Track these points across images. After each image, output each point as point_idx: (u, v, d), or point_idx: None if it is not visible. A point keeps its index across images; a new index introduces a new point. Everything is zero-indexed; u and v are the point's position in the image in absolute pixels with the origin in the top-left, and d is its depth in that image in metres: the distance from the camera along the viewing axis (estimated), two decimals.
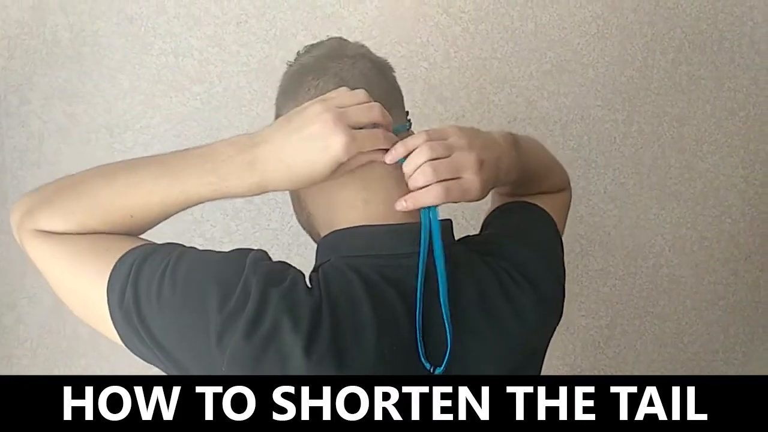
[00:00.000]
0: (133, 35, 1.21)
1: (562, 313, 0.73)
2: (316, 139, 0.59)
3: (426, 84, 1.38)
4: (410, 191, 0.64)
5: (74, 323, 1.23)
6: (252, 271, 0.57)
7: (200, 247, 0.65)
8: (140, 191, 0.62)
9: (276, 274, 0.59)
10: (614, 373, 1.71)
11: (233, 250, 0.62)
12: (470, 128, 0.67)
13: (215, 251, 0.62)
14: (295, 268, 0.62)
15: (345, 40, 0.74)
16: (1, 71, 1.16)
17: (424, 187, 0.63)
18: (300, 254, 1.31)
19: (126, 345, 0.61)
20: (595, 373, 1.69)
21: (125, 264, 0.60)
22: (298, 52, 0.74)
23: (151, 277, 0.58)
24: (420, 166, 0.62)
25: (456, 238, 0.69)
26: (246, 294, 0.56)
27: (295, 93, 0.68)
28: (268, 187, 0.62)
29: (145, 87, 1.22)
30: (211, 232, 1.29)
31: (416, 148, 0.63)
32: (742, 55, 1.67)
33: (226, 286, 0.56)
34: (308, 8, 1.29)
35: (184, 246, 0.64)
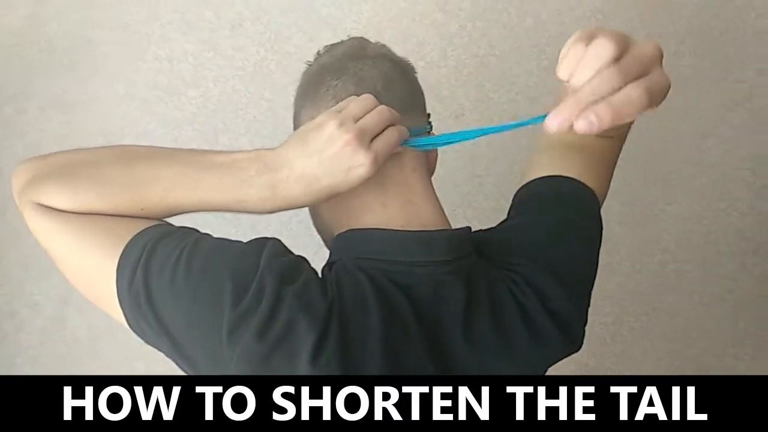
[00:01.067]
0: (128, 42, 1.21)
1: (582, 343, 0.70)
2: (339, 161, 0.58)
3: (423, 83, 1.34)
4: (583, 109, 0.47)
5: (74, 329, 1.24)
6: (267, 268, 0.56)
7: None
8: (157, 189, 0.60)
9: (290, 271, 0.58)
10: (622, 370, 1.70)
11: (251, 241, 0.61)
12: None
13: (231, 240, 0.61)
14: (308, 264, 0.61)
15: (366, 40, 0.72)
16: None
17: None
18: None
19: (131, 327, 0.60)
20: (603, 370, 1.67)
21: (137, 245, 0.58)
22: (318, 52, 0.73)
23: (164, 261, 0.57)
24: (599, 69, 0.46)
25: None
26: (260, 291, 0.55)
27: (314, 93, 0.67)
28: (288, 207, 0.61)
29: (140, 93, 1.23)
30: None
31: (587, 53, 0.47)
32: (746, 46, 1.64)
33: (242, 282, 0.56)
34: (303, 10, 1.28)
35: (199, 231, 0.62)
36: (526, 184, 0.77)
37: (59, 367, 1.24)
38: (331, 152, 0.58)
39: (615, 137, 0.81)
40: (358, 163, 0.58)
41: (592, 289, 0.73)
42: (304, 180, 0.59)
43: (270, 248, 0.59)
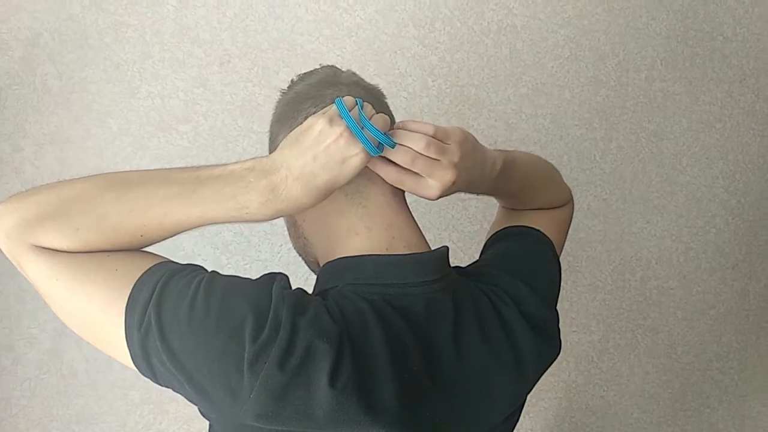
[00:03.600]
0: (120, 80, 1.26)
1: (560, 345, 0.74)
2: (334, 154, 0.60)
3: (406, 113, 1.42)
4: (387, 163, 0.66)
5: (71, 363, 1.26)
6: (280, 301, 0.58)
7: None
8: (154, 212, 0.59)
9: (300, 302, 0.59)
10: (611, 387, 1.72)
11: (261, 276, 0.62)
12: (471, 144, 0.68)
13: (241, 277, 0.62)
14: (311, 295, 0.64)
15: (337, 68, 0.75)
16: None
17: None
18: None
19: (138, 367, 0.59)
20: (591, 387, 1.70)
21: (147, 283, 0.58)
22: (292, 80, 0.75)
23: (179, 298, 0.57)
24: (406, 148, 0.65)
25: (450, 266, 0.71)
26: (277, 323, 0.56)
27: (293, 120, 0.69)
28: (290, 209, 0.62)
29: (133, 129, 1.27)
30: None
31: (417, 135, 0.65)
32: (715, 70, 1.71)
33: (260, 315, 0.56)
34: (288, 46, 1.34)
35: (205, 268, 0.62)
36: (495, 232, 0.85)
37: (56, 400, 1.25)
38: (324, 146, 0.59)
39: (567, 205, 0.91)
40: (353, 153, 0.60)
41: (557, 304, 0.77)
42: (303, 178, 0.60)
43: (278, 282, 0.60)
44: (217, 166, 0.61)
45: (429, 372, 0.62)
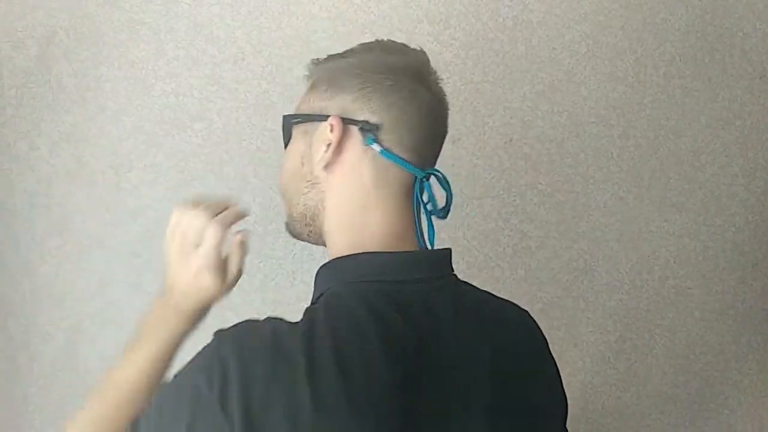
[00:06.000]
0: (135, 78, 1.26)
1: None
2: (191, 287, 0.67)
3: None
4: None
5: (86, 360, 1.26)
6: (217, 345, 0.60)
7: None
8: (128, 401, 0.70)
9: (245, 331, 0.61)
10: (627, 387, 1.70)
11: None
12: None
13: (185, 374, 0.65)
14: (261, 320, 0.64)
15: (426, 67, 0.76)
16: (10, 119, 1.21)
17: None
18: (304, 281, 1.33)
19: None
20: (607, 388, 1.68)
21: None
22: (370, 46, 0.78)
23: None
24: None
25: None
26: (224, 365, 0.57)
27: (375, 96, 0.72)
28: (206, 309, 0.70)
29: (148, 127, 1.27)
30: None
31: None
32: (734, 66, 1.69)
33: (207, 370, 0.58)
34: (302, 44, 1.33)
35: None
36: None
37: (71, 398, 1.26)
38: (184, 280, 0.68)
39: None
40: (204, 286, 0.67)
41: None
42: (189, 300, 0.68)
43: (216, 340, 0.62)
44: (139, 324, 0.71)
45: (427, 370, 0.62)
